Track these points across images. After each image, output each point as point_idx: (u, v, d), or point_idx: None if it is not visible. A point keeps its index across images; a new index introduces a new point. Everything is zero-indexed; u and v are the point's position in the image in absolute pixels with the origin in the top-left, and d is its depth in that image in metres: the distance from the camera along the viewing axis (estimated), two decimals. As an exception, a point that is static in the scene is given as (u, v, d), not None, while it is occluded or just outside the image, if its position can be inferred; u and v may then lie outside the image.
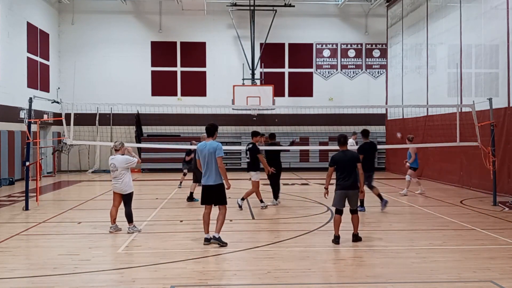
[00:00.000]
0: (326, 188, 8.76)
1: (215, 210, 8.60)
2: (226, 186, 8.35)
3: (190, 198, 13.60)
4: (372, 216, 11.13)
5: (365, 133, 11.94)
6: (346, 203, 8.62)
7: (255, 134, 12.51)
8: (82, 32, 25.50)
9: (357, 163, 8.59)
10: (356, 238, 8.61)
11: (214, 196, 8.35)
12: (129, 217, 9.42)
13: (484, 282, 6.31)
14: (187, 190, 13.78)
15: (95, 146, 24.98)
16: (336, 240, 8.46)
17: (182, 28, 26.05)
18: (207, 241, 8.36)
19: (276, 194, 12.99)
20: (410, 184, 15.22)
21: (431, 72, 19.86)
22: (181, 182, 17.38)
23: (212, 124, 8.54)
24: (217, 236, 8.28)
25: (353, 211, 8.66)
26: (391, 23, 24.43)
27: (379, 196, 11.85)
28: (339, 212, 8.57)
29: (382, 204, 11.76)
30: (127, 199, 9.44)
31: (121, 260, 7.52)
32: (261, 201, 12.38)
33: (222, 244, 8.21)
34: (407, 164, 15.07)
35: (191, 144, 17.01)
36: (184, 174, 17.29)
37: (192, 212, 11.93)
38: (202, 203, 8.54)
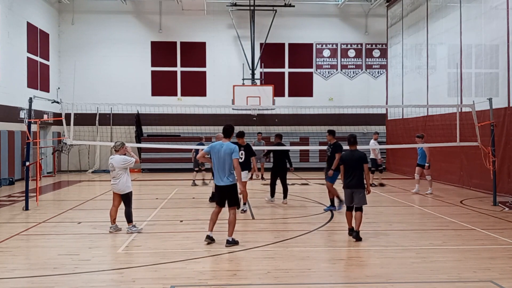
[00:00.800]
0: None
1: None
2: (239, 189, 8.49)
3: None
4: (372, 216, 11.12)
5: (333, 133, 11.75)
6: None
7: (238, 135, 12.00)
8: (82, 32, 25.50)
9: (363, 163, 8.87)
10: (356, 235, 8.66)
11: (228, 196, 8.38)
12: (128, 217, 9.43)
13: (484, 282, 6.32)
14: (191, 189, 13.80)
15: (95, 146, 24.98)
16: (351, 232, 8.93)
17: (182, 28, 26.05)
18: (209, 238, 8.40)
19: (285, 194, 13.16)
20: (431, 183, 15.35)
21: (431, 72, 19.86)
22: (204, 180, 17.41)
23: (230, 125, 8.64)
24: (230, 240, 8.29)
25: (358, 209, 8.88)
26: (391, 23, 24.43)
27: (332, 200, 11.85)
28: (348, 208, 9.02)
29: (329, 207, 11.92)
30: (125, 199, 9.46)
31: (121, 260, 7.52)
32: (244, 204, 11.77)
33: (236, 243, 8.31)
34: (427, 165, 15.04)
35: (202, 143, 16.84)
36: (207, 170, 17.39)
37: (192, 212, 11.94)
38: (216, 203, 8.59)
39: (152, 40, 25.99)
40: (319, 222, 10.43)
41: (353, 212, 8.95)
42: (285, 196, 13.08)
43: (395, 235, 9.29)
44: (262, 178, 18.14)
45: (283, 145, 13.62)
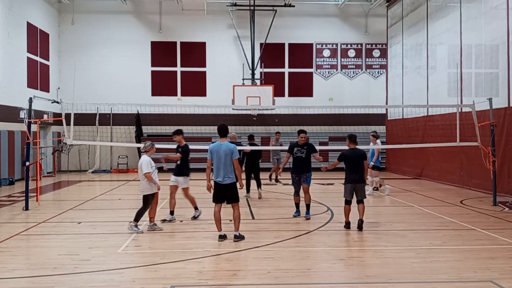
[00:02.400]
0: (327, 168, 10.28)
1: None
2: (239, 186, 8.73)
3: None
4: (372, 216, 11.11)
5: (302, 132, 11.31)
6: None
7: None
8: (82, 32, 25.51)
9: (364, 160, 9.65)
10: (361, 223, 9.49)
11: (229, 194, 8.65)
12: (137, 216, 9.51)
13: (484, 282, 6.32)
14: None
15: (95, 146, 24.98)
16: (347, 225, 9.61)
17: (182, 28, 26.05)
18: (222, 238, 8.62)
19: (259, 185, 14.19)
20: (374, 183, 15.06)
21: (431, 72, 19.86)
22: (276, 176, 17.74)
23: (223, 124, 8.89)
24: (237, 234, 8.63)
25: (360, 201, 9.59)
26: (391, 23, 24.44)
27: (297, 205, 11.24)
28: (348, 202, 9.63)
29: (295, 214, 11.20)
30: (143, 199, 9.64)
31: (121, 260, 7.51)
32: (195, 208, 10.95)
33: (243, 238, 8.64)
34: (371, 164, 14.47)
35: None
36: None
37: (192, 212, 11.92)
38: (214, 201, 8.73)
39: (152, 40, 25.99)
40: (319, 222, 10.43)
41: (351, 206, 9.69)
42: (259, 187, 14.16)
43: (395, 235, 9.30)
44: (277, 179, 18.06)
45: (256, 145, 15.14)
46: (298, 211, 11.20)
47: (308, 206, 10.93)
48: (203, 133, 25.05)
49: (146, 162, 9.50)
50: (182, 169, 10.81)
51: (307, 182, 10.89)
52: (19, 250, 8.27)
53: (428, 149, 18.96)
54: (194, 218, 10.85)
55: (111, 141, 24.74)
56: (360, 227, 9.44)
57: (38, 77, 22.60)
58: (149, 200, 9.62)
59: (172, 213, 10.73)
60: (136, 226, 9.46)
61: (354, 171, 9.49)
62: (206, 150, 8.94)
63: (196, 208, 10.92)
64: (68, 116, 13.40)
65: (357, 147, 9.95)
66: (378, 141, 15.51)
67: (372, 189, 15.04)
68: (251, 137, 15.35)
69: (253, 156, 14.14)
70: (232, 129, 24.75)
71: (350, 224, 9.64)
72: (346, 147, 9.87)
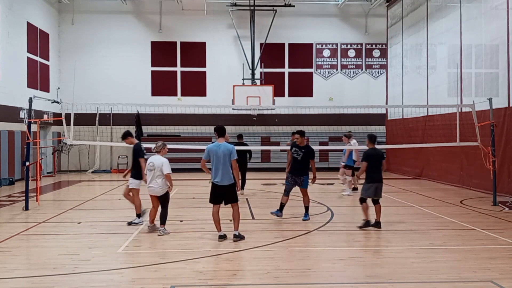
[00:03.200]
0: (358, 177, 10.56)
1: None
2: (237, 188, 8.76)
3: None
4: (372, 216, 11.10)
5: (304, 134, 11.07)
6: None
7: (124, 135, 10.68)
8: (82, 32, 25.49)
9: (382, 160, 9.97)
10: (378, 225, 9.74)
11: (228, 195, 8.66)
12: (162, 218, 9.27)
13: (484, 282, 6.32)
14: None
15: (95, 146, 24.98)
16: (367, 224, 9.74)
17: (182, 28, 26.05)
18: (222, 238, 8.63)
19: (242, 186, 14.73)
20: (351, 184, 15.04)
21: (431, 72, 19.86)
22: None
23: (221, 125, 8.93)
24: (237, 234, 8.67)
25: (376, 201, 9.91)
26: (391, 23, 24.44)
27: (282, 206, 10.81)
28: (364, 200, 9.89)
29: (276, 212, 10.81)
30: (163, 200, 9.38)
31: (121, 260, 7.51)
32: (138, 215, 10.25)
33: (243, 238, 8.69)
34: (342, 163, 15.05)
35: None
36: None
37: (192, 212, 11.95)
38: (212, 202, 8.71)
39: (152, 40, 25.98)
40: (319, 222, 10.44)
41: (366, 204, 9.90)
42: (242, 188, 14.59)
43: (395, 235, 9.30)
44: None
45: (245, 144, 15.59)
46: (279, 211, 10.72)
47: (307, 208, 10.83)
48: (203, 133, 25.05)
49: (166, 163, 9.33)
50: (137, 171, 10.15)
51: (303, 186, 10.73)
52: (19, 250, 8.27)
53: (428, 149, 18.96)
54: (131, 223, 10.13)
55: (111, 141, 24.72)
56: (378, 227, 9.72)
57: (38, 77, 22.59)
58: (168, 198, 9.49)
59: (139, 216, 10.22)
60: (165, 229, 9.24)
61: (376, 170, 9.75)
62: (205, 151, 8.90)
63: (138, 215, 10.21)
64: (68, 116, 13.40)
65: (346, 146, 10.15)
66: (354, 140, 15.51)
67: (351, 190, 15.04)
68: (239, 137, 15.89)
69: (241, 156, 13.99)
70: (232, 129, 24.78)
71: (370, 222, 9.74)
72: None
